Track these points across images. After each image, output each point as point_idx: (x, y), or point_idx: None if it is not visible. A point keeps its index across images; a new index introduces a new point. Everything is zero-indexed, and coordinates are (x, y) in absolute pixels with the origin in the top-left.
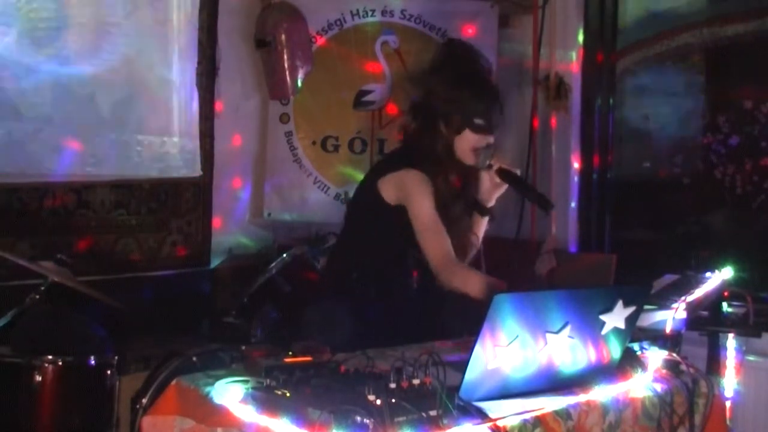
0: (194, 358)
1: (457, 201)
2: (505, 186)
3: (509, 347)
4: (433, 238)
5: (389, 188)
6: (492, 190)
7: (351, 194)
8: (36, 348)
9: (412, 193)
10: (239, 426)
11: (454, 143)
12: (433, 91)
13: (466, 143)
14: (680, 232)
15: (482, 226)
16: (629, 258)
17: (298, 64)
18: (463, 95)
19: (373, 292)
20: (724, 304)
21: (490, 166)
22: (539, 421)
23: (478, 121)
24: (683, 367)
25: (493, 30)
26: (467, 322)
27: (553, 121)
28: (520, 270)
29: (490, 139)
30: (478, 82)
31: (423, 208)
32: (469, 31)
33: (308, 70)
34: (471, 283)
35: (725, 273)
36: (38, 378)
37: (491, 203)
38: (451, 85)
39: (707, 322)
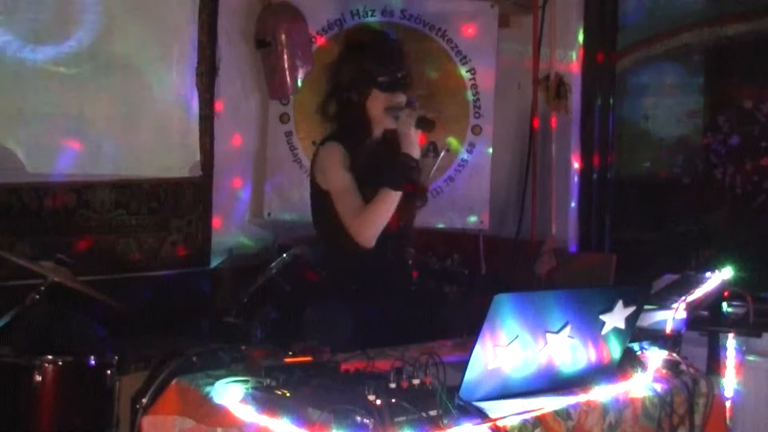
0: (194, 358)
1: (384, 165)
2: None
3: (509, 347)
4: (342, 205)
5: (318, 173)
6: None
7: None
8: (36, 348)
9: (326, 170)
10: (239, 426)
11: (367, 110)
12: (339, 71)
13: (377, 104)
14: (680, 232)
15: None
16: (629, 258)
17: (298, 64)
18: (362, 59)
19: (342, 286)
20: (724, 304)
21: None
22: (539, 421)
23: (381, 78)
24: (683, 367)
25: (493, 30)
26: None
27: (553, 121)
28: (520, 270)
29: (402, 98)
30: (375, 45)
31: (334, 181)
32: (469, 31)
33: (308, 70)
34: (369, 216)
35: (725, 273)
36: (38, 378)
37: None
38: (351, 57)
39: (707, 322)
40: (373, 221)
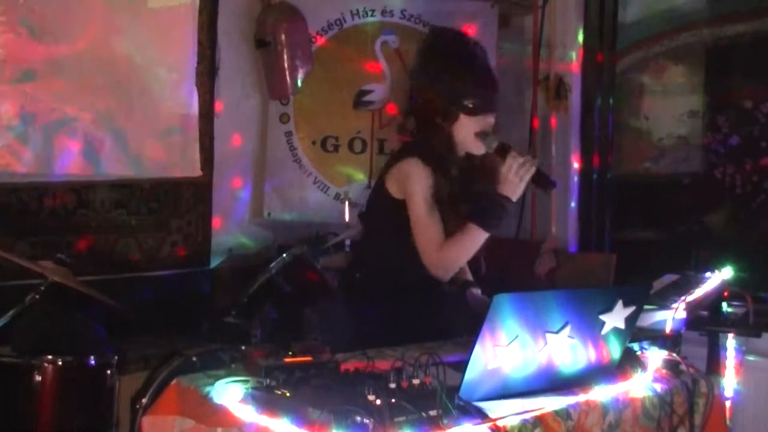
0: (194, 358)
1: (457, 198)
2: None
3: (509, 347)
4: (423, 230)
5: (393, 182)
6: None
7: (351, 194)
8: (36, 348)
9: (409, 182)
10: (239, 426)
11: (454, 135)
12: (421, 86)
13: (466, 130)
14: (680, 232)
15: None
16: (629, 258)
17: (298, 64)
18: (448, 80)
19: (391, 292)
20: (724, 304)
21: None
22: (539, 421)
23: (467, 102)
24: (683, 367)
25: (493, 30)
26: (468, 322)
27: (553, 121)
28: (520, 270)
29: (491, 119)
30: (461, 64)
31: (417, 198)
32: (469, 31)
33: (308, 70)
34: (452, 252)
35: (725, 273)
36: (38, 378)
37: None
38: (436, 73)
39: (707, 322)
40: (455, 258)
